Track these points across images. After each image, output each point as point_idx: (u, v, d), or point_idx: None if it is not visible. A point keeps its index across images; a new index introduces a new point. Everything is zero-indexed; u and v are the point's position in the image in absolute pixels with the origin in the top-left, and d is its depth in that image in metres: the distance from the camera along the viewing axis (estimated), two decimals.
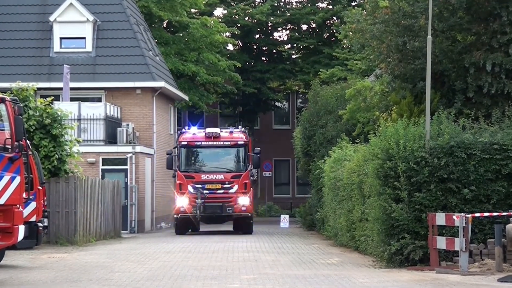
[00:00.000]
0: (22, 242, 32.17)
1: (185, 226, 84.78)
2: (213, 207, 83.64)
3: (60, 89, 60.06)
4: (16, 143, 30.04)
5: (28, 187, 32.24)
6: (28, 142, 33.81)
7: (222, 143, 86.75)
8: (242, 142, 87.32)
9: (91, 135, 65.18)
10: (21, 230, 30.65)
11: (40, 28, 71.13)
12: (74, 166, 52.17)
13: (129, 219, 69.92)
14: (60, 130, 48.26)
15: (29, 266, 35.24)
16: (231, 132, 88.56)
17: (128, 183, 71.12)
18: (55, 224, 45.76)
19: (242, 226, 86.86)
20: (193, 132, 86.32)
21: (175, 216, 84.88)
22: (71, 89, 62.86)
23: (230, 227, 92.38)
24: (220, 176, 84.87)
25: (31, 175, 33.25)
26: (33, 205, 34.90)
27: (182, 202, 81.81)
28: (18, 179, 29.89)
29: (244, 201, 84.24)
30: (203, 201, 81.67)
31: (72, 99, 61.78)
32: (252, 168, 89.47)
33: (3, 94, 32.16)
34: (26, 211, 32.13)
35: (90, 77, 68.25)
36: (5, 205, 29.23)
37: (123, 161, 66.62)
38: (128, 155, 69.51)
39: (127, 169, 68.10)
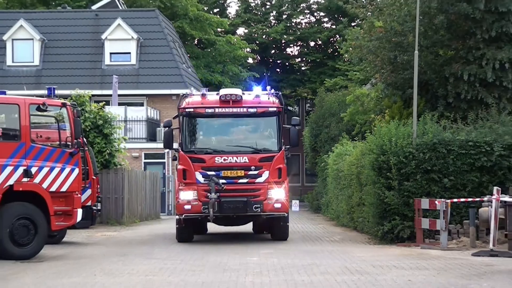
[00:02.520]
0: (80, 222, 32.31)
1: (191, 230, 44.71)
2: (233, 204, 42.19)
3: (110, 95, 60.03)
4: (75, 140, 30.30)
5: (85, 177, 33.80)
6: (84, 139, 34.05)
7: (245, 110, 44.28)
8: (275, 109, 44.87)
9: (135, 134, 64.94)
10: (79, 213, 30.97)
11: (94, 45, 71.19)
12: (121, 159, 52.20)
13: (167, 203, 67.24)
14: (110, 129, 48.71)
15: (85, 243, 35.96)
16: (257, 96, 45.71)
17: (166, 174, 68.48)
18: (106, 207, 46.04)
19: (273, 229, 45.76)
20: (202, 94, 45.25)
21: (177, 217, 43.84)
22: (119, 95, 62.97)
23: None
24: (243, 159, 43.12)
25: (87, 167, 33.52)
26: (88, 192, 36.14)
27: (187, 196, 42.10)
28: (76, 171, 30.26)
29: (278, 194, 42.76)
30: (218, 195, 41.10)
31: (119, 104, 61.75)
32: (288, 146, 45.60)
33: (64, 100, 32.35)
34: (83, 197, 32.33)
35: (134, 85, 68.16)
36: (66, 192, 29.47)
37: (162, 156, 66.08)
38: (166, 150, 66.39)
39: (164, 162, 66.73)
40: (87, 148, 34.32)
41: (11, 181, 28.43)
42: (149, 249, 33.30)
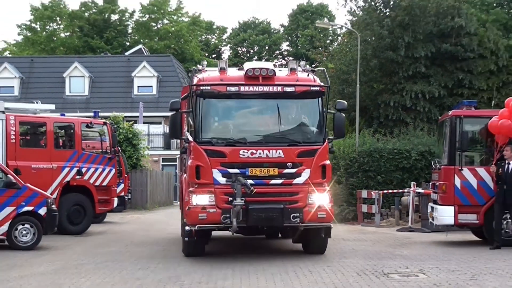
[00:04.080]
0: (116, 208, 32.43)
1: (203, 243, 22.37)
2: (265, 212, 20.60)
3: (137, 116, 59.92)
4: (112, 149, 30.38)
5: (119, 175, 32.90)
6: (119, 148, 33.92)
7: (280, 89, 21.52)
8: (318, 89, 22.30)
9: (155, 144, 64.56)
10: (115, 201, 31.21)
11: (126, 80, 70.90)
12: (145, 162, 51.98)
13: (177, 193, 64.99)
14: (137, 141, 48.21)
15: (119, 222, 35.55)
16: (292, 70, 22.54)
17: (177, 172, 66.37)
18: (134, 197, 45.64)
19: (309, 240, 23.01)
20: (221, 68, 21.91)
21: (186, 227, 20.70)
22: (144, 116, 62.86)
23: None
24: (278, 153, 20.97)
25: (121, 168, 33.26)
26: (122, 185, 35.01)
27: (202, 201, 20.31)
28: (113, 170, 30.19)
29: (321, 199, 21.33)
30: (242, 200, 19.74)
31: (144, 122, 61.61)
32: (332, 138, 23.21)
33: (105, 120, 32.40)
34: (118, 189, 32.22)
35: (155, 109, 67.78)
36: (106, 186, 29.53)
37: (174, 159, 65.61)
38: (177, 156, 66.21)
39: (176, 164, 65.82)
40: (121, 154, 34.22)
41: (68, 178, 28.44)
42: (164, 226, 32.73)
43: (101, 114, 33.56)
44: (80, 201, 28.87)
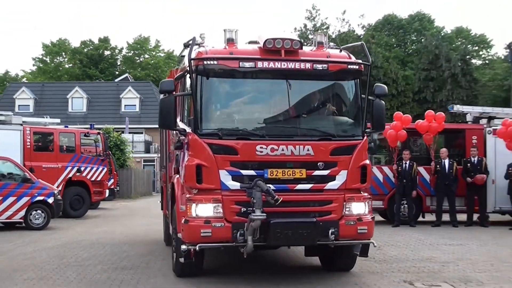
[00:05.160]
0: (107, 197, 32.42)
1: (201, 262, 11.62)
2: (293, 228, 10.52)
3: (124, 128, 59.09)
4: (104, 152, 30.25)
5: (110, 172, 32.14)
6: (110, 152, 33.81)
7: (309, 66, 10.94)
8: (356, 67, 11.25)
9: (138, 149, 63.83)
10: (107, 192, 31.17)
11: (116, 100, 70.36)
12: (130, 163, 51.58)
13: (155, 186, 63.77)
14: (124, 146, 47.68)
15: (110, 208, 35.20)
16: (320, 44, 11.64)
17: (155, 170, 65.32)
18: (122, 189, 44.93)
19: (334, 256, 12.25)
20: (229, 39, 11.06)
21: (183, 247, 10.56)
22: (129, 128, 62.15)
23: None
24: (305, 149, 10.82)
25: (111, 167, 32.94)
26: (112, 180, 33.61)
27: (205, 212, 10.52)
28: (105, 169, 30.11)
29: (360, 209, 11.20)
30: (262, 214, 10.11)
31: (129, 133, 60.74)
32: (370, 131, 11.98)
33: (99, 130, 32.16)
34: (109, 183, 31.94)
35: (138, 123, 67.27)
36: (100, 181, 29.76)
37: (153, 160, 65.21)
38: (155, 157, 65.40)
39: (154, 164, 65.43)
40: (111, 157, 33.98)
41: (70, 175, 28.43)
42: (147, 211, 32.08)
43: (96, 126, 33.64)
44: (80, 192, 28.80)
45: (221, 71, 10.47)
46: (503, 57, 50.34)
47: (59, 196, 23.14)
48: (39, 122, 30.00)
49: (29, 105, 68.20)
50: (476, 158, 22.30)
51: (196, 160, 10.23)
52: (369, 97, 11.07)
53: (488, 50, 75.34)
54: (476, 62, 68.85)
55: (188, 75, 10.77)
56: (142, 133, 67.22)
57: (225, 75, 10.60)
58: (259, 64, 10.41)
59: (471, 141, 22.84)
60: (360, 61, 10.97)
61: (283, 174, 10.47)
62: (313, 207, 10.63)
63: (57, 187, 25.65)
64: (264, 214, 9.85)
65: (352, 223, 10.49)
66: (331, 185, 10.61)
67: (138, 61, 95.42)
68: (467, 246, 16.22)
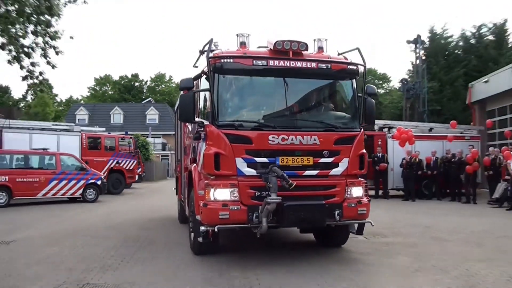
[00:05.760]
0: (137, 180, 32.01)
1: (217, 241, 8.98)
2: (305, 211, 8.12)
3: (148, 134, 58.66)
4: (134, 150, 29.91)
5: (138, 163, 31.59)
6: (138, 150, 33.56)
7: (314, 65, 8.62)
8: (355, 68, 8.99)
9: (157, 148, 63.34)
10: (136, 177, 30.68)
11: (142, 115, 69.79)
12: (152, 157, 51.35)
13: (169, 173, 62.64)
14: (148, 146, 47.56)
15: (139, 188, 34.72)
16: (320, 49, 9.18)
17: (169, 162, 63.78)
18: (147, 174, 44.48)
19: (330, 234, 9.83)
20: (242, 43, 8.62)
21: (202, 228, 8.15)
22: (152, 134, 61.51)
23: None
24: (312, 139, 8.49)
25: (139, 160, 32.58)
26: (140, 169, 32.64)
27: (222, 196, 8.04)
28: (135, 161, 29.46)
29: (359, 192, 8.80)
30: (277, 197, 7.81)
31: (152, 137, 60.36)
32: (363, 124, 9.14)
33: (131, 136, 31.92)
34: (138, 171, 31.64)
35: (157, 131, 66.58)
36: (132, 169, 29.22)
37: (167, 156, 64.55)
38: (169, 154, 64.22)
39: (168, 158, 64.39)
40: (139, 153, 33.72)
41: (112, 166, 28.09)
42: (163, 190, 31.97)
43: (129, 133, 33.66)
44: (118, 177, 28.36)
45: (236, 69, 8.34)
46: (398, 88, 51.09)
47: (104, 180, 23.07)
48: (91, 130, 29.80)
49: (85, 119, 67.59)
50: (380, 154, 22.69)
51: (214, 149, 8.14)
52: (362, 95, 9.05)
53: (388, 83, 76.79)
54: (380, 91, 69.46)
55: (204, 76, 8.78)
56: (160, 137, 66.84)
57: (240, 73, 8.48)
58: (271, 63, 8.42)
59: (378, 142, 23.13)
60: (357, 62, 8.96)
61: (293, 161, 8.43)
62: (319, 191, 8.50)
63: (103, 173, 25.42)
64: (280, 198, 7.86)
65: (353, 205, 8.63)
66: (335, 171, 8.66)
67: (158, 89, 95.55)
68: (375, 212, 16.38)
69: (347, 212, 8.55)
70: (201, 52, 8.99)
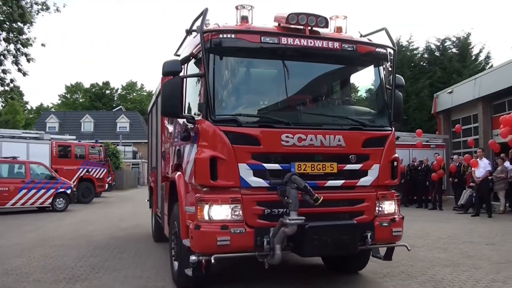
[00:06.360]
0: (106, 189, 31.60)
1: (209, 273, 6.06)
2: (333, 234, 5.60)
3: (118, 142, 57.95)
4: (105, 159, 29.57)
5: (108, 172, 31.34)
6: (108, 158, 33.18)
7: (337, 45, 6.02)
8: (384, 51, 6.41)
9: (128, 156, 62.74)
10: (106, 185, 30.40)
11: (112, 123, 69.33)
12: (123, 166, 50.85)
13: (140, 182, 62.28)
14: (118, 155, 46.91)
15: (109, 196, 34.40)
16: (339, 29, 6.51)
17: (139, 170, 63.44)
18: (117, 183, 43.94)
19: (348, 258, 7.31)
20: (243, 17, 5.93)
21: (193, 258, 5.68)
22: (122, 142, 60.90)
23: None
24: (336, 140, 5.98)
25: (109, 168, 32.31)
26: (110, 177, 32.05)
27: (221, 214, 5.61)
28: (105, 170, 29.26)
29: (391, 207, 6.49)
30: (299, 217, 5.41)
31: (122, 145, 59.76)
32: (393, 121, 6.59)
33: (101, 144, 31.50)
34: (108, 179, 31.25)
35: (128, 139, 66.07)
36: (102, 178, 28.93)
37: (138, 164, 64.08)
38: (140, 162, 63.86)
39: (139, 166, 64.03)
40: (109, 162, 33.36)
41: (82, 174, 27.76)
42: (132, 198, 31.75)
43: (99, 141, 33.41)
44: (88, 186, 28.02)
45: (239, 47, 5.96)
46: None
47: (74, 188, 22.86)
48: (62, 138, 29.48)
49: (55, 127, 66.46)
50: None
51: (210, 152, 5.80)
52: (388, 87, 6.89)
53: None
54: None
55: (193, 60, 6.55)
56: (131, 146, 66.25)
57: (244, 52, 6.08)
58: (283, 41, 6.03)
59: None
60: (387, 44, 6.68)
61: (312, 169, 6.05)
62: (344, 207, 6.30)
63: (73, 182, 25.14)
64: (303, 218, 5.61)
65: (386, 224, 6.47)
66: (363, 181, 6.40)
67: (129, 97, 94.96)
68: None
69: (380, 233, 6.43)
70: (188, 32, 6.64)
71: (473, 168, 18.48)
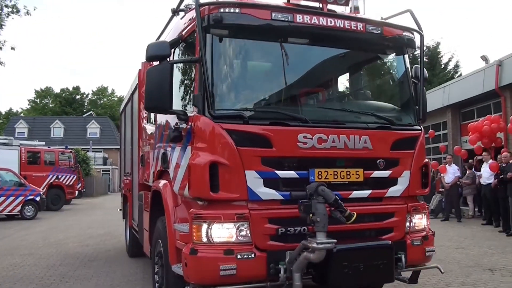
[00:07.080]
0: (76, 196, 31.32)
1: None
2: (365, 259, 4.11)
3: (88, 148, 57.40)
4: (75, 165, 29.21)
5: (78, 178, 31.10)
6: (78, 165, 32.80)
7: (361, 28, 4.63)
8: (410, 36, 5.07)
9: (98, 163, 62.10)
10: (76, 192, 30.07)
11: (83, 129, 68.49)
12: (93, 172, 50.34)
13: (110, 188, 61.62)
14: (88, 161, 46.56)
15: (79, 204, 33.91)
16: (356, 10, 5.20)
17: (110, 177, 63.05)
18: (87, 190, 43.60)
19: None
20: None
21: None
22: (92, 148, 60.28)
23: None
24: (362, 141, 4.60)
25: (79, 175, 32.03)
26: (80, 184, 32.15)
27: (224, 237, 4.17)
28: (75, 176, 28.90)
29: (423, 222, 5.08)
30: (330, 240, 3.94)
31: (93, 151, 59.18)
32: (420, 119, 5.05)
33: (71, 150, 31.13)
34: (78, 186, 30.95)
35: (98, 145, 65.61)
36: (72, 184, 28.53)
37: (109, 170, 63.55)
38: (110, 168, 63.62)
39: (109, 173, 63.58)
40: (79, 168, 33.00)
41: (51, 181, 27.35)
42: (103, 205, 31.39)
43: (69, 147, 33.02)
44: (58, 193, 27.61)
45: (245, 25, 4.60)
46: None
47: (43, 196, 22.45)
48: (31, 144, 29.01)
49: (24, 132, 65.49)
50: None
51: (209, 156, 4.45)
52: (413, 79, 5.69)
53: None
54: None
55: (182, 45, 5.29)
56: (101, 152, 65.60)
57: (250, 32, 4.71)
58: (298, 18, 4.70)
59: None
60: (414, 28, 5.49)
61: (335, 177, 4.77)
62: (370, 223, 5.04)
63: (42, 189, 24.75)
64: (334, 240, 4.29)
65: (418, 242, 5.27)
66: (392, 191, 5.14)
67: (100, 103, 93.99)
68: None
69: (412, 254, 5.17)
70: (175, 12, 5.49)
71: (442, 174, 18.76)
